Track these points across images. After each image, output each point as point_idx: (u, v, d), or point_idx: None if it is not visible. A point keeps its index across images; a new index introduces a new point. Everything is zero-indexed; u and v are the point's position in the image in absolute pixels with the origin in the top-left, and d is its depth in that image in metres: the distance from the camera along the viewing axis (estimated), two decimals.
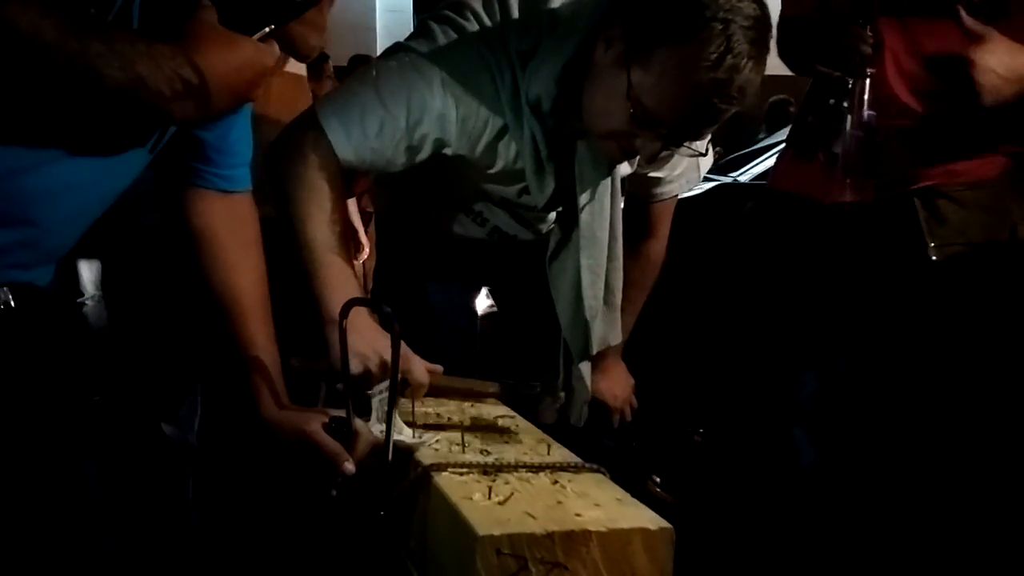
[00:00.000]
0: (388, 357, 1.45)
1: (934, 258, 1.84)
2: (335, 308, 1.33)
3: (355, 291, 1.48)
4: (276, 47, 1.12)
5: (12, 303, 1.04)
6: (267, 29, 1.11)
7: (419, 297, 1.88)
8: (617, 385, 1.99)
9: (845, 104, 1.81)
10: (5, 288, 1.04)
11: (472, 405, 1.63)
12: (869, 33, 1.81)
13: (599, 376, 1.92)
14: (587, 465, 1.31)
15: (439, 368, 1.51)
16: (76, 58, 0.91)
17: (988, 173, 1.87)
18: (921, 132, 1.88)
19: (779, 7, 2.10)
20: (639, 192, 1.86)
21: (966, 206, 1.86)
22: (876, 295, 1.91)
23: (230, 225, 1.32)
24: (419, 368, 1.48)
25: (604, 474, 1.29)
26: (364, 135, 1.54)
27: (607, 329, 1.76)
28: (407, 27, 7.22)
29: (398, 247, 1.94)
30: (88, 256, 2.09)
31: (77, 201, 1.08)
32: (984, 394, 1.83)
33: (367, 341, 1.44)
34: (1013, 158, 1.88)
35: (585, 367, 1.78)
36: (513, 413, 1.59)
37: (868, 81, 1.81)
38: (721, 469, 2.17)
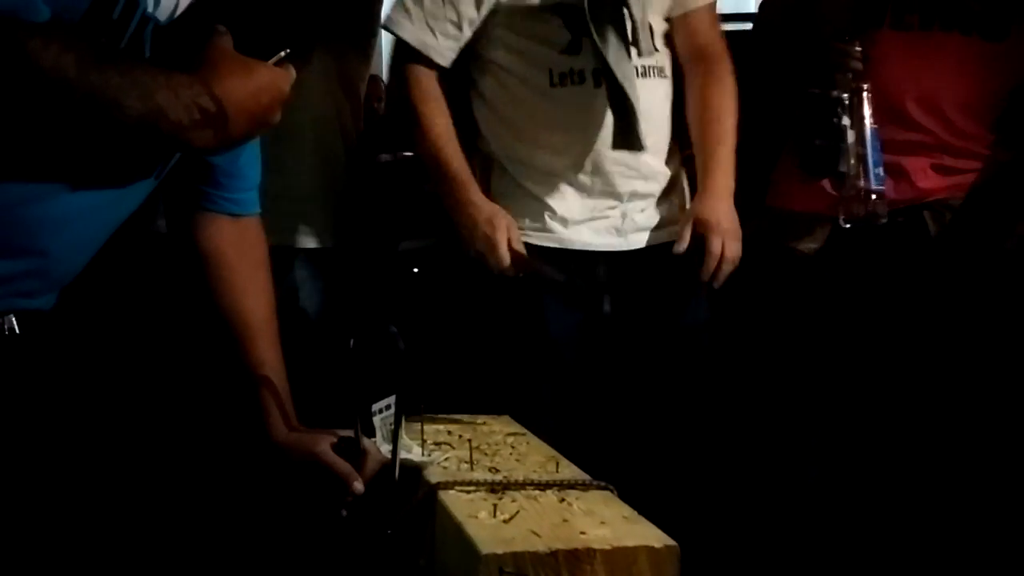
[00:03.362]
0: (505, 247, 1.79)
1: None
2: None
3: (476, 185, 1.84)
4: (292, 71, 1.13)
5: (17, 330, 1.06)
6: (282, 53, 1.12)
7: None
8: (724, 216, 1.86)
9: (845, 122, 1.82)
10: (11, 316, 1.06)
11: (483, 423, 1.64)
12: (857, 48, 1.82)
13: (701, 198, 1.89)
14: (595, 483, 1.31)
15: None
16: (97, 91, 0.93)
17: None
18: (933, 145, 1.89)
19: None
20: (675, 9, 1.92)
21: None
22: (889, 308, 1.90)
23: (239, 248, 1.34)
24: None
25: (612, 491, 1.29)
26: (423, 10, 1.81)
27: None
28: None
29: None
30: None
31: (84, 229, 1.10)
32: (995, 403, 1.82)
33: (488, 219, 1.78)
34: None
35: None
36: (524, 430, 1.60)
37: (865, 96, 1.82)
38: (727, 485, 2.16)
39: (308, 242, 1.95)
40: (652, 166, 1.94)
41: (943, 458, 1.85)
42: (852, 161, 1.83)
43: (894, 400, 1.90)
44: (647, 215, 1.95)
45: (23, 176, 1.01)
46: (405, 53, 1.86)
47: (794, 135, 1.98)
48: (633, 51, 1.84)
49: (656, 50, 1.90)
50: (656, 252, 1.92)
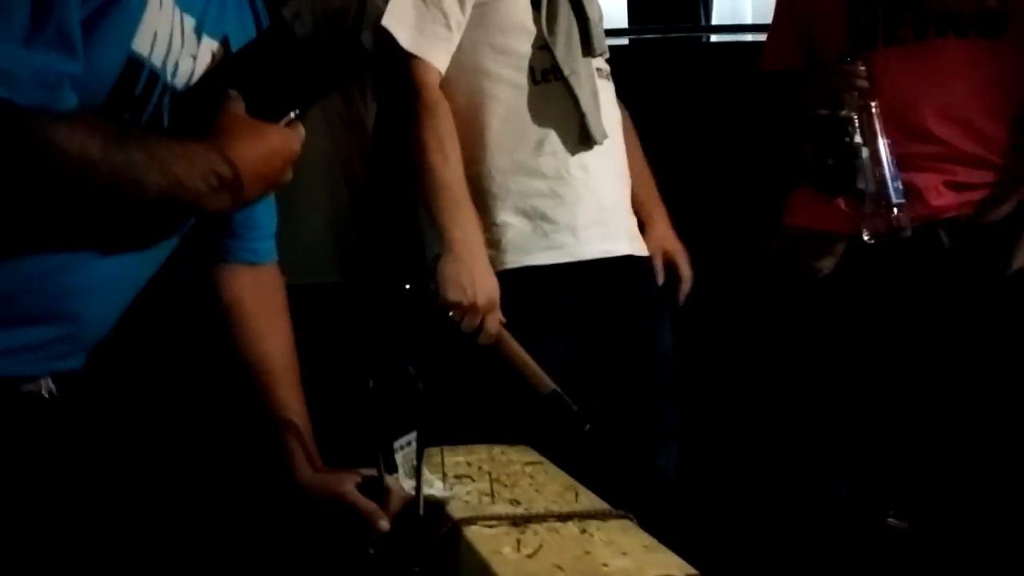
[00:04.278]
0: (489, 298, 1.75)
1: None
2: (454, 241, 1.74)
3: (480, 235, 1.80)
4: (302, 131, 1.17)
5: (55, 392, 1.09)
6: (292, 115, 1.16)
7: None
8: (678, 241, 2.07)
9: (858, 140, 1.84)
10: (48, 378, 1.09)
11: (502, 452, 1.67)
12: (861, 67, 1.84)
13: (659, 227, 2.05)
14: (614, 512, 1.34)
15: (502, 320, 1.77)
16: (120, 170, 0.97)
17: None
18: (947, 158, 1.90)
19: None
20: None
21: None
22: (907, 325, 1.91)
23: (258, 296, 1.37)
24: (495, 317, 1.75)
25: (631, 520, 1.32)
26: (422, 18, 1.80)
27: None
28: None
29: None
30: None
31: (113, 292, 1.13)
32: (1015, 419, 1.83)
33: (475, 277, 1.73)
34: None
35: None
36: (542, 459, 1.63)
37: (874, 112, 1.85)
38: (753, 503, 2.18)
39: (313, 278, 1.95)
40: (622, 167, 1.97)
41: (965, 473, 1.86)
42: (869, 178, 1.85)
43: (915, 415, 1.92)
44: (632, 219, 1.97)
45: (56, 247, 1.05)
46: (400, 58, 1.81)
47: (806, 157, 2.02)
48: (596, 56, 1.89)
49: (606, 53, 1.96)
50: (632, 268, 1.94)
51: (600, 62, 1.95)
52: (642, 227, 2.02)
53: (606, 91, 1.94)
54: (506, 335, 1.77)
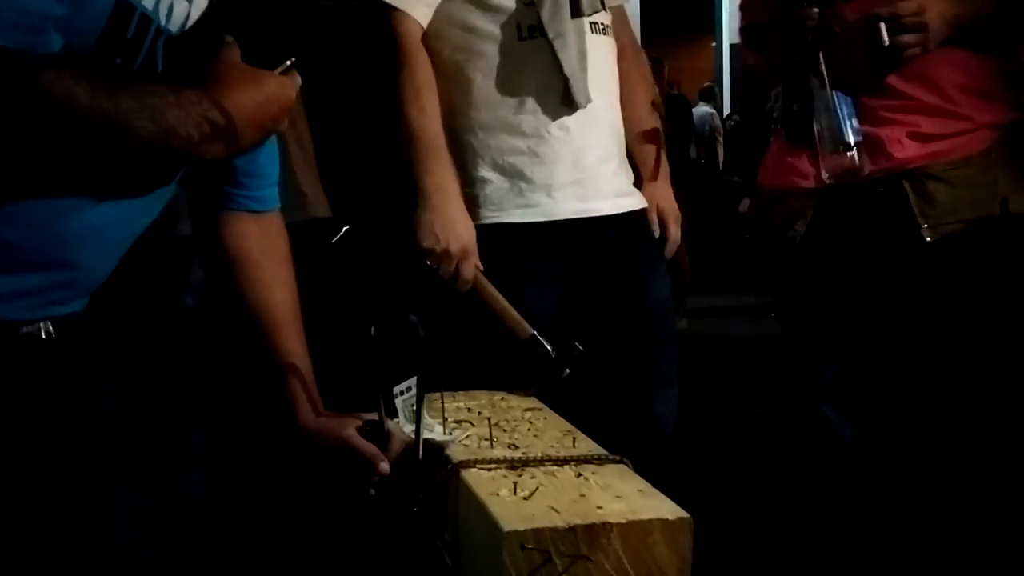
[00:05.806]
0: (463, 245, 1.78)
1: (928, 239, 1.85)
2: (429, 190, 1.78)
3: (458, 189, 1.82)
4: (298, 79, 1.17)
5: (53, 334, 1.10)
6: (288, 62, 1.16)
7: None
8: (673, 202, 2.09)
9: (814, 82, 1.84)
10: (48, 322, 1.10)
11: (502, 399, 1.70)
12: (815, 10, 1.83)
13: (656, 185, 2.07)
14: (611, 457, 1.37)
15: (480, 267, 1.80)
16: (109, 116, 0.97)
17: (974, 148, 1.86)
18: (910, 110, 1.89)
19: None
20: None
21: (955, 185, 1.86)
22: (875, 278, 1.90)
23: (262, 244, 1.38)
24: (470, 264, 1.79)
25: (627, 465, 1.35)
26: None
27: None
28: None
29: None
30: None
31: (111, 238, 1.14)
32: (987, 372, 1.84)
33: (448, 224, 1.77)
34: (998, 129, 1.86)
35: None
36: (541, 405, 1.65)
37: (821, 56, 1.83)
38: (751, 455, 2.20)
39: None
40: (614, 124, 1.97)
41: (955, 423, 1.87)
42: (824, 117, 1.84)
43: (894, 366, 1.93)
44: (618, 178, 1.97)
45: (52, 192, 1.05)
46: (380, 10, 1.82)
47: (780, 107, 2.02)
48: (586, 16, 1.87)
49: (602, 8, 1.93)
50: (623, 220, 1.95)
51: (599, 16, 1.92)
52: (642, 181, 2.03)
53: (600, 48, 1.92)
54: (483, 281, 1.80)
